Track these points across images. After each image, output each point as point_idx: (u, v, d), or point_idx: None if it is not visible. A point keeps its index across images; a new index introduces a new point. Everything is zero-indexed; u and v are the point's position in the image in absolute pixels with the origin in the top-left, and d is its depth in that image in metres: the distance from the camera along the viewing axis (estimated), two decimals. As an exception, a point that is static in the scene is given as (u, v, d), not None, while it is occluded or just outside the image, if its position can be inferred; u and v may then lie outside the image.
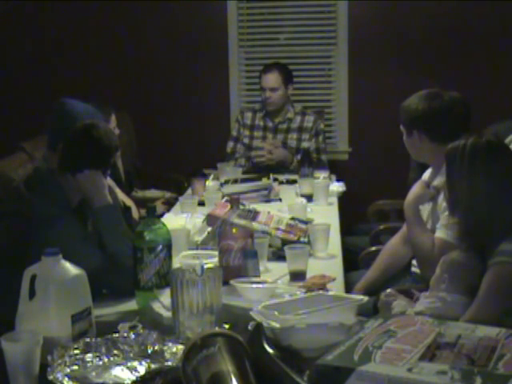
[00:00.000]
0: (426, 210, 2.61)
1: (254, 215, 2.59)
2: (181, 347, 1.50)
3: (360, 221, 4.06)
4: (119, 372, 1.47)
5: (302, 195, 3.43)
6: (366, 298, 1.75)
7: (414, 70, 4.86)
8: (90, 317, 1.67)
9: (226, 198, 2.90)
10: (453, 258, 2.03)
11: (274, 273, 2.27)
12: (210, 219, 2.57)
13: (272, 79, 4.26)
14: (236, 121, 4.54)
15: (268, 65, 4.41)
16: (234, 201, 2.58)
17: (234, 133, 4.49)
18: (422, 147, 2.59)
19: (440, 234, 2.44)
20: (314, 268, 2.30)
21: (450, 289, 1.98)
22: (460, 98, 2.60)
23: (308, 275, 2.19)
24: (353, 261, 3.05)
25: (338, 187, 3.68)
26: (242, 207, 2.62)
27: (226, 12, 5.05)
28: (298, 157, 4.19)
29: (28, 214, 2.11)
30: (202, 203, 3.27)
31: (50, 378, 1.40)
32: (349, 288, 2.54)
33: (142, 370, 1.47)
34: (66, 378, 1.40)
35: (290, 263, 2.24)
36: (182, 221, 2.86)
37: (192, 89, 5.13)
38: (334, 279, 2.15)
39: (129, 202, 3.03)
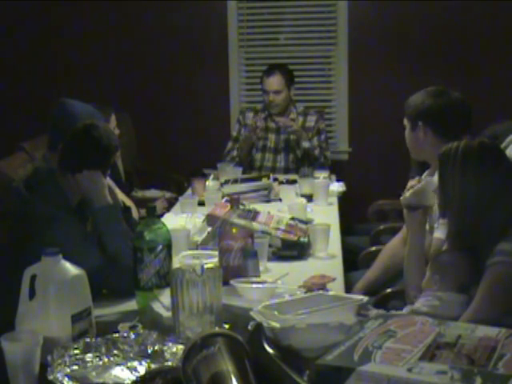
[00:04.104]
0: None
1: (253, 215, 2.59)
2: (181, 347, 1.50)
3: (360, 221, 4.06)
4: (119, 372, 1.47)
5: (302, 195, 3.43)
6: (366, 298, 1.75)
7: (414, 69, 4.85)
8: (90, 317, 1.67)
9: (225, 198, 2.90)
10: (442, 260, 2.05)
11: (273, 273, 2.27)
12: (210, 219, 2.57)
13: (275, 82, 4.24)
14: (237, 121, 4.51)
15: (270, 67, 4.36)
16: (234, 201, 2.58)
17: (234, 133, 4.47)
18: (425, 142, 2.58)
19: (438, 234, 2.44)
20: (314, 268, 2.30)
21: (442, 289, 1.99)
22: (463, 98, 2.62)
23: (308, 275, 2.19)
24: (353, 261, 3.05)
25: (338, 187, 3.68)
26: (241, 207, 2.61)
27: (226, 12, 5.04)
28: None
29: (28, 213, 2.11)
30: (201, 203, 3.27)
31: (50, 377, 1.40)
32: (349, 288, 2.54)
33: (142, 370, 1.47)
34: (66, 378, 1.40)
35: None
36: (182, 221, 2.87)
37: (192, 89, 5.13)
38: (334, 279, 2.15)
39: (129, 202, 3.02)
